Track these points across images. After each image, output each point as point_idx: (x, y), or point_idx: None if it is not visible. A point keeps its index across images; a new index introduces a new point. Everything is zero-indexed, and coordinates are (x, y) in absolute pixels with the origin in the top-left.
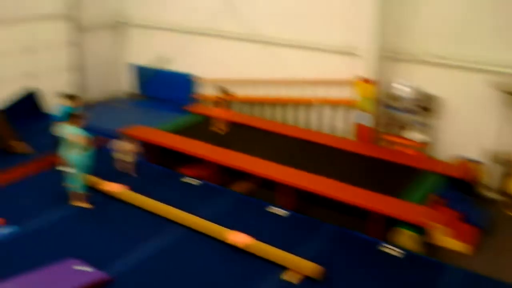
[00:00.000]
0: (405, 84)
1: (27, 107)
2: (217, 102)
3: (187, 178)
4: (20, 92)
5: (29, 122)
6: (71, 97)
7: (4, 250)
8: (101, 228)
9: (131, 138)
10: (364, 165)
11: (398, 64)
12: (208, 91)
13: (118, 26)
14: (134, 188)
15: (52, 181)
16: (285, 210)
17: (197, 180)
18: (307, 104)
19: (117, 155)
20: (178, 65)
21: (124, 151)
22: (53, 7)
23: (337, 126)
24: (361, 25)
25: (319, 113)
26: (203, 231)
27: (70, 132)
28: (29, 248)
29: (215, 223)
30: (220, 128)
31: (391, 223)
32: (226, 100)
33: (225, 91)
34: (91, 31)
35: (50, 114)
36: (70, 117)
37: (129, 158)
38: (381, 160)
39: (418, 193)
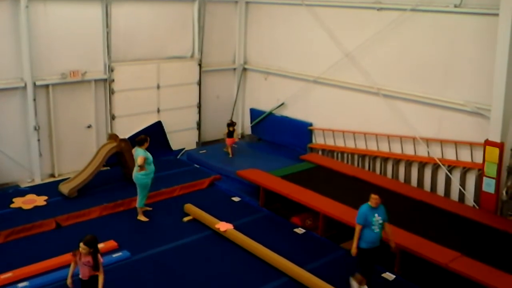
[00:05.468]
0: None
1: (152, 138)
2: (229, 132)
3: (297, 228)
4: (149, 124)
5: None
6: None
7: (115, 275)
8: (203, 264)
9: None
10: (485, 236)
11: None
12: (321, 140)
13: (240, 70)
14: (241, 229)
15: (168, 211)
16: (393, 274)
17: (303, 229)
18: (421, 162)
19: None
20: (294, 112)
21: None
22: (185, 51)
23: (454, 190)
24: (492, 84)
25: (432, 173)
26: (306, 284)
27: (138, 154)
28: (136, 275)
29: (319, 278)
30: (228, 152)
31: None
32: (232, 131)
33: (232, 124)
34: (214, 73)
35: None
36: (140, 141)
37: None
38: (504, 232)
39: None
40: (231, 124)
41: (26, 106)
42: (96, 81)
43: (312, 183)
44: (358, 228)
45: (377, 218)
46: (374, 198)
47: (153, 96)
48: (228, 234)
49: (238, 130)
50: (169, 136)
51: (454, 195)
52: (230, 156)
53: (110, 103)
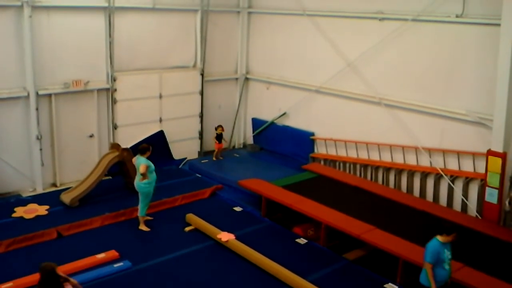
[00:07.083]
0: None
1: (154, 148)
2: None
3: (299, 238)
4: (151, 133)
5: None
6: (143, 150)
7: (116, 285)
8: (205, 274)
9: None
10: (487, 246)
11: None
12: (323, 150)
13: (242, 79)
14: (242, 239)
15: (170, 221)
16: (396, 285)
17: (305, 240)
18: (423, 172)
19: None
20: (296, 121)
21: None
22: (187, 60)
23: (457, 200)
24: (494, 94)
25: (435, 183)
26: None
27: (140, 162)
28: (137, 285)
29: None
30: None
31: None
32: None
33: (219, 127)
34: (216, 82)
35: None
36: (142, 150)
37: None
38: (506, 243)
39: None
40: (219, 126)
41: (29, 115)
42: (98, 90)
43: (314, 193)
44: (430, 267)
45: (447, 254)
46: (455, 236)
47: (155, 105)
48: (229, 244)
49: (240, 139)
50: (171, 146)
51: (457, 205)
52: (214, 159)
53: (112, 113)
